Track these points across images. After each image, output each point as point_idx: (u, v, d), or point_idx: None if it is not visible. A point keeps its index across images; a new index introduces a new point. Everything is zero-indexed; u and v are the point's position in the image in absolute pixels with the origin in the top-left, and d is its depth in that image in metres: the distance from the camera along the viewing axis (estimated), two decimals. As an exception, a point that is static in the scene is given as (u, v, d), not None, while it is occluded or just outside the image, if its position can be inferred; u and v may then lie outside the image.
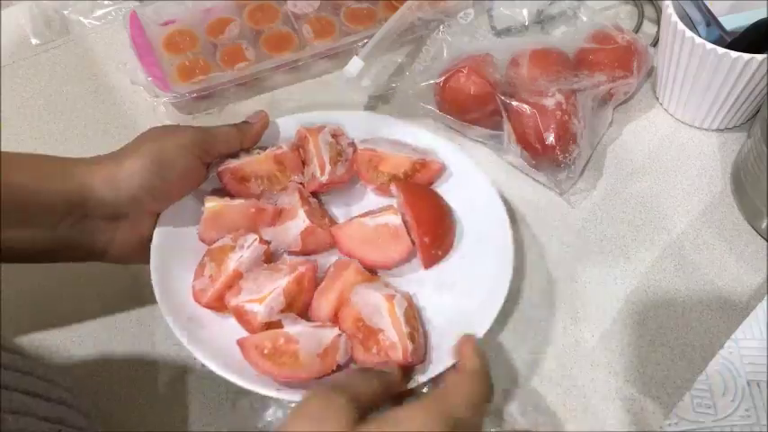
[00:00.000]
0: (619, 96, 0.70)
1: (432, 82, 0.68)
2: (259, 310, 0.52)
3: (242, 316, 0.53)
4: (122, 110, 0.74)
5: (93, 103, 0.75)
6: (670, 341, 0.58)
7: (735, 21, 0.66)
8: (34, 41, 0.80)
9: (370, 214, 0.59)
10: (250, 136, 0.60)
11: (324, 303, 0.54)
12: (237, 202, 0.58)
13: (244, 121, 0.61)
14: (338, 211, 0.63)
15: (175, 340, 0.53)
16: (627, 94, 0.71)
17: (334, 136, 0.62)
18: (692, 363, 0.56)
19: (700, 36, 0.62)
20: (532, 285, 0.61)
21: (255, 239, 0.55)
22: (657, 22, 0.77)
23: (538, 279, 0.61)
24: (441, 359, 0.51)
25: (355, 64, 0.68)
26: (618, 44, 0.68)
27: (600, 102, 0.68)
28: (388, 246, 0.57)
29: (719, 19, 0.66)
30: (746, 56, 0.60)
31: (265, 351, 0.50)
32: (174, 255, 0.56)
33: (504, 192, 0.67)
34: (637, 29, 0.78)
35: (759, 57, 0.60)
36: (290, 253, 0.58)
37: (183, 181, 0.56)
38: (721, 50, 0.61)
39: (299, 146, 0.62)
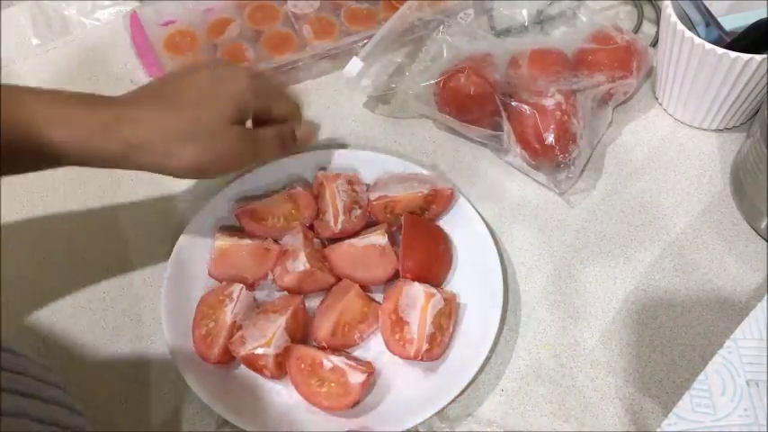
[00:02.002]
0: (618, 96, 0.70)
1: (431, 82, 0.68)
2: (268, 352, 0.54)
3: (254, 363, 0.55)
4: (122, 110, 0.74)
5: (94, 104, 0.75)
6: (670, 341, 0.58)
7: (734, 21, 0.66)
8: (34, 41, 0.80)
9: (361, 235, 0.62)
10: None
11: (324, 323, 0.57)
12: (245, 241, 0.61)
13: (291, 140, 0.61)
14: None
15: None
16: (626, 94, 0.71)
17: (349, 183, 0.64)
18: (692, 362, 0.57)
19: (699, 36, 0.62)
20: (532, 285, 0.61)
21: (242, 288, 0.58)
22: (657, 22, 0.77)
23: (538, 279, 0.62)
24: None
25: (355, 64, 0.68)
26: (617, 44, 0.68)
27: (599, 102, 0.68)
28: (376, 265, 0.60)
29: (719, 19, 0.66)
30: (746, 56, 0.60)
31: (302, 366, 0.54)
32: (186, 291, 0.59)
33: (504, 192, 0.67)
34: (636, 29, 0.78)
35: (758, 57, 0.60)
36: (285, 290, 0.60)
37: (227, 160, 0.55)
38: (721, 50, 0.61)
39: (318, 192, 0.64)
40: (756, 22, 0.64)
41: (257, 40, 0.75)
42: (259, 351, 0.54)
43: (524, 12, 0.77)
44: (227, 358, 0.56)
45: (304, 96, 0.74)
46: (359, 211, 0.63)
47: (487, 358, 0.56)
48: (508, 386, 0.56)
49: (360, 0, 0.78)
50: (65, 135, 0.49)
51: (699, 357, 0.57)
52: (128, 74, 0.75)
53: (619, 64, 0.68)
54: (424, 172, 0.65)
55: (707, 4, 0.66)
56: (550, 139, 0.63)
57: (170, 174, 0.53)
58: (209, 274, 0.60)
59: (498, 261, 0.60)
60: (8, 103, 0.48)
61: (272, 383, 0.56)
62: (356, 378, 0.53)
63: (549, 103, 0.64)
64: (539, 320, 0.59)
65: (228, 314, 0.56)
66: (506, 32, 0.77)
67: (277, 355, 0.54)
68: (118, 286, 0.62)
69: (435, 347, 0.55)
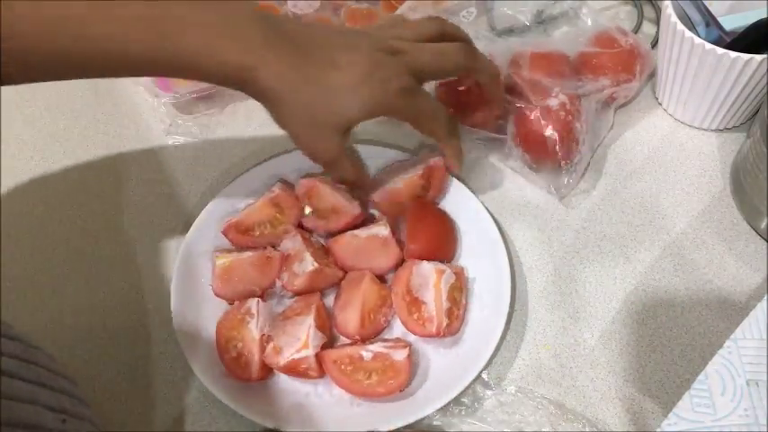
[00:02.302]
0: (620, 99, 0.70)
1: (432, 84, 0.68)
2: (309, 354, 0.54)
3: (296, 368, 0.55)
4: (122, 110, 0.74)
5: (94, 103, 0.75)
6: (669, 341, 0.58)
7: (734, 21, 0.66)
8: (34, 41, 0.80)
9: (363, 227, 0.62)
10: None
11: (351, 317, 0.57)
12: (246, 254, 0.60)
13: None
14: None
15: (173, 337, 0.54)
16: (627, 97, 0.71)
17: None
18: (692, 362, 0.57)
19: (699, 36, 0.62)
20: (532, 285, 0.61)
21: (258, 301, 0.57)
22: (657, 22, 0.77)
23: (538, 279, 0.62)
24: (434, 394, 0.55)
25: None
26: (621, 48, 0.68)
27: (602, 104, 0.68)
28: (378, 255, 0.60)
29: (719, 19, 0.66)
30: (746, 56, 0.60)
31: (342, 367, 0.54)
32: (196, 313, 0.58)
33: (504, 192, 0.67)
34: (636, 29, 0.78)
35: (758, 57, 0.60)
36: (297, 293, 0.60)
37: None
38: (721, 51, 0.61)
39: (310, 195, 0.63)
40: (756, 22, 0.64)
41: (257, 40, 0.75)
42: (298, 355, 0.54)
43: (526, 12, 0.77)
44: (266, 373, 0.56)
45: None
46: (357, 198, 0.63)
47: (507, 324, 0.58)
48: (509, 386, 0.56)
49: (360, 0, 0.78)
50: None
51: (699, 357, 0.57)
52: (128, 74, 0.75)
53: (623, 68, 0.67)
54: (406, 156, 0.66)
55: (707, 4, 0.66)
56: (554, 143, 0.63)
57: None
58: (216, 295, 0.59)
59: (499, 233, 0.61)
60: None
61: (308, 385, 0.56)
62: (400, 355, 0.54)
63: (553, 104, 0.63)
64: (539, 320, 0.59)
65: (254, 330, 0.56)
66: (508, 32, 0.77)
67: (316, 355, 0.55)
68: (118, 287, 0.63)
69: (454, 321, 0.56)
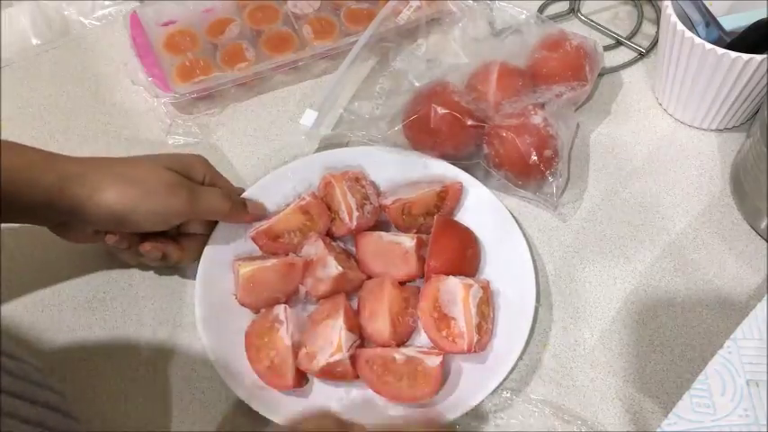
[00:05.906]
0: (578, 100, 0.69)
1: (397, 128, 0.66)
2: (344, 357, 0.54)
3: (332, 371, 0.55)
4: (122, 110, 0.74)
5: (94, 103, 0.75)
6: (669, 341, 0.58)
7: (734, 21, 0.66)
8: (34, 41, 0.80)
9: (393, 231, 0.62)
10: (235, 217, 0.61)
11: (381, 326, 0.57)
12: (268, 262, 0.59)
13: (240, 200, 0.62)
14: None
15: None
16: (583, 98, 0.70)
17: (356, 180, 0.64)
18: (692, 362, 0.57)
19: (699, 36, 0.62)
20: (532, 285, 0.61)
21: (285, 308, 0.57)
22: (657, 22, 0.77)
23: (538, 279, 0.61)
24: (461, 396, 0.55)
25: (309, 116, 0.66)
26: (567, 51, 0.68)
27: (563, 108, 0.67)
28: (395, 264, 0.60)
29: (719, 19, 0.66)
30: (746, 56, 0.60)
31: (374, 367, 0.54)
32: (223, 324, 0.58)
33: (503, 191, 0.67)
34: (636, 29, 0.78)
35: (758, 57, 0.60)
36: (321, 298, 0.60)
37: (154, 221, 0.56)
38: (721, 51, 0.61)
39: (325, 192, 0.63)
40: (756, 23, 0.64)
41: (257, 40, 0.75)
42: (333, 359, 0.54)
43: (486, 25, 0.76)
44: (301, 379, 0.56)
45: (304, 97, 0.75)
46: (370, 207, 0.63)
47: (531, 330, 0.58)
48: (508, 386, 0.56)
49: (360, 0, 0.78)
50: (5, 161, 0.51)
51: (699, 357, 0.57)
52: (128, 74, 0.75)
53: (573, 73, 0.67)
54: (428, 160, 0.65)
55: (707, 4, 0.66)
56: (534, 156, 0.62)
57: (93, 214, 0.54)
58: (241, 303, 0.59)
59: (523, 239, 0.60)
60: None
61: (340, 390, 0.56)
62: (433, 361, 0.54)
63: (524, 121, 0.63)
64: (539, 320, 0.59)
65: (285, 337, 0.56)
66: (500, 33, 0.76)
67: (350, 357, 0.55)
68: (118, 287, 0.62)
69: (484, 336, 0.56)
